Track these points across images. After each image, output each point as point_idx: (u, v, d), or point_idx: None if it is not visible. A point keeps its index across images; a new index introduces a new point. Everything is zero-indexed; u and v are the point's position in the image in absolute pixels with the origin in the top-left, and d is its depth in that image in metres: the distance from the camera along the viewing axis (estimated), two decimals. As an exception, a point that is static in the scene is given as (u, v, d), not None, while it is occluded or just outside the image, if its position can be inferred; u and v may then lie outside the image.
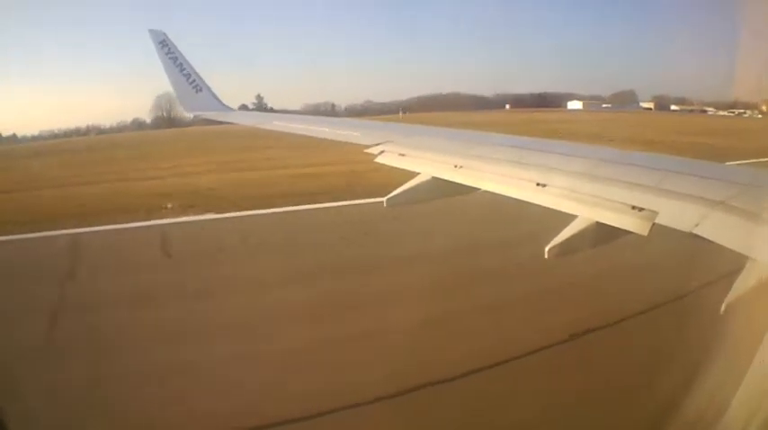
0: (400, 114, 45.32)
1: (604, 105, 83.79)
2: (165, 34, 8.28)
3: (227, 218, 12.55)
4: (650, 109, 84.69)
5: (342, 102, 73.03)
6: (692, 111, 80.00)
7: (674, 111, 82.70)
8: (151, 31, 8.32)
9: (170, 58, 8.33)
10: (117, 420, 4.70)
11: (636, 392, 4.46)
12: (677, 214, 2.61)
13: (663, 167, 3.29)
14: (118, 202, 14.28)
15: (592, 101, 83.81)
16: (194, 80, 8.52)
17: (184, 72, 8.40)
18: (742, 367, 2.06)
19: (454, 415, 4.72)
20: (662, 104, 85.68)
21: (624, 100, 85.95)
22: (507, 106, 76.42)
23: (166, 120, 51.50)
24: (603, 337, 5.99)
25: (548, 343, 5.87)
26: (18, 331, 6.02)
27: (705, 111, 78.09)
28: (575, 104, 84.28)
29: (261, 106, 48.96)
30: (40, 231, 11.20)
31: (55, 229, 11.25)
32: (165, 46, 8.26)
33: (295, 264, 8.63)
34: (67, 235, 10.81)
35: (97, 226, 11.59)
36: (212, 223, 12.23)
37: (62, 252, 9.54)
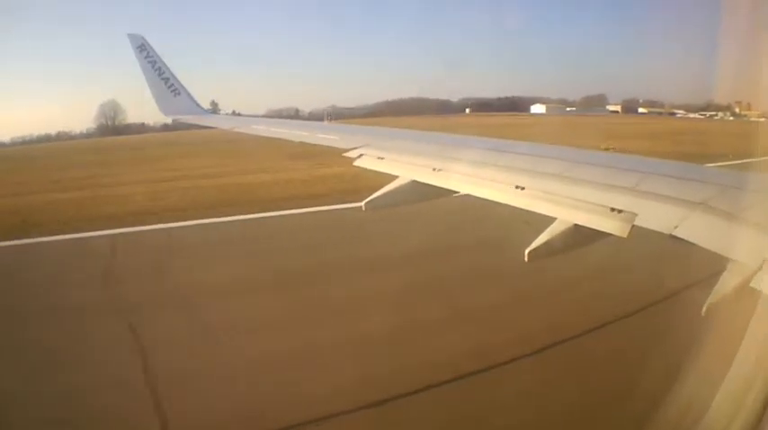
0: (325, 121, 42.20)
1: (569, 109, 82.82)
2: (143, 38, 8.11)
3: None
4: (617, 112, 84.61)
5: (305, 106, 72.41)
6: (660, 113, 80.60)
7: (641, 114, 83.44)
8: (130, 36, 8.14)
9: (148, 62, 8.16)
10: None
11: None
12: (656, 216, 2.56)
13: (641, 169, 3.24)
14: None
15: (556, 104, 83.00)
16: (173, 84, 8.35)
17: (163, 76, 8.22)
18: (723, 368, 2.02)
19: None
20: (629, 107, 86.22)
21: (592, 103, 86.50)
22: (467, 110, 75.70)
23: (111, 129, 50.86)
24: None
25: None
26: None
27: (674, 114, 78.48)
28: (538, 108, 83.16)
29: (215, 112, 49.16)
30: None
31: None
32: (144, 50, 8.08)
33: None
34: None
35: None
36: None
37: None
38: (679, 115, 77.92)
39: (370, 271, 8.11)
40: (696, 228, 2.35)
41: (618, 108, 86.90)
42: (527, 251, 2.93)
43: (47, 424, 4.69)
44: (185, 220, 11.99)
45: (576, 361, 5.53)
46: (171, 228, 11.43)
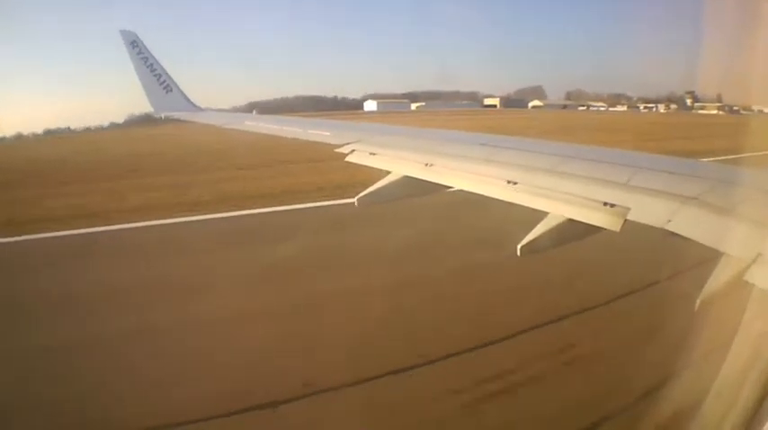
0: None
1: (415, 105, 73.22)
2: (136, 35, 7.39)
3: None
4: (494, 106, 75.09)
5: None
6: (565, 107, 72.96)
7: (536, 107, 74.00)
8: (122, 32, 7.40)
9: (141, 59, 7.45)
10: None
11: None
12: (649, 210, 2.37)
13: (633, 164, 3.02)
14: None
15: (393, 100, 74.07)
16: (165, 80, 7.68)
17: (155, 72, 7.54)
18: (717, 362, 1.93)
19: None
20: (512, 101, 76.13)
21: (526, 96, 79.38)
22: (254, 112, 69.99)
23: None
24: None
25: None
26: None
27: (588, 107, 72.21)
28: (370, 105, 74.63)
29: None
30: None
31: None
32: (136, 46, 7.37)
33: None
34: None
35: None
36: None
37: None
38: (582, 108, 70.61)
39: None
40: (689, 223, 2.18)
41: (495, 102, 77.80)
42: (519, 246, 2.67)
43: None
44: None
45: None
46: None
